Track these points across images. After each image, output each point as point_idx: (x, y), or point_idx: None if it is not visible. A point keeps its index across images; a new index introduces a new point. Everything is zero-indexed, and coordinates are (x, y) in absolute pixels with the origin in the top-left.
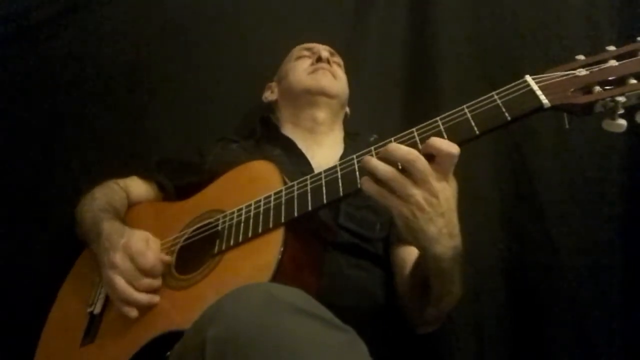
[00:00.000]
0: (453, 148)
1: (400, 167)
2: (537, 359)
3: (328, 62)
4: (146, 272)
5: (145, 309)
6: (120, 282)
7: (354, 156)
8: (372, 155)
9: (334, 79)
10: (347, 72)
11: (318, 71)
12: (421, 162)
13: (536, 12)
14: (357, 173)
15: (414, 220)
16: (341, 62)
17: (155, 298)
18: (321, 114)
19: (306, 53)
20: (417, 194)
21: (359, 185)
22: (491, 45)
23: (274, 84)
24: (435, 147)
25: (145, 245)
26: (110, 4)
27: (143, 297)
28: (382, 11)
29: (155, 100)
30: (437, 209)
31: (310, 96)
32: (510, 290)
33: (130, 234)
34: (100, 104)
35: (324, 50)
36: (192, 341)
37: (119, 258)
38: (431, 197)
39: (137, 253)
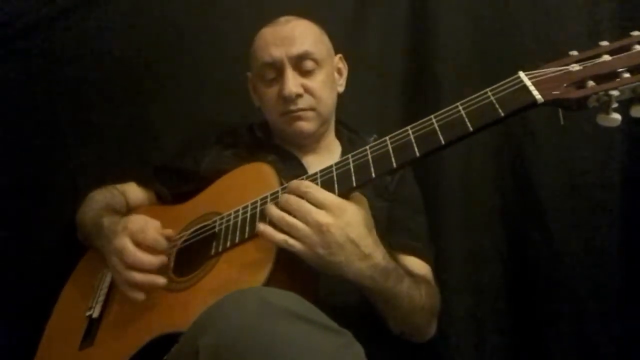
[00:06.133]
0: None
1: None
2: (537, 359)
3: (300, 95)
4: (148, 249)
5: (143, 311)
6: (121, 265)
7: (349, 155)
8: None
9: (309, 120)
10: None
11: (290, 120)
12: (292, 199)
13: (537, 11)
14: (353, 172)
15: (317, 258)
16: (317, 59)
17: (159, 279)
18: (306, 140)
19: (271, 75)
20: (304, 229)
21: (354, 184)
22: (491, 44)
23: (252, 77)
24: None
25: (145, 223)
26: (111, 4)
27: (143, 278)
28: (382, 11)
29: (156, 100)
30: (332, 241)
31: (289, 136)
32: (510, 290)
33: (129, 217)
34: (100, 104)
35: (288, 86)
36: (186, 350)
37: (118, 241)
38: (319, 232)
39: (136, 231)
